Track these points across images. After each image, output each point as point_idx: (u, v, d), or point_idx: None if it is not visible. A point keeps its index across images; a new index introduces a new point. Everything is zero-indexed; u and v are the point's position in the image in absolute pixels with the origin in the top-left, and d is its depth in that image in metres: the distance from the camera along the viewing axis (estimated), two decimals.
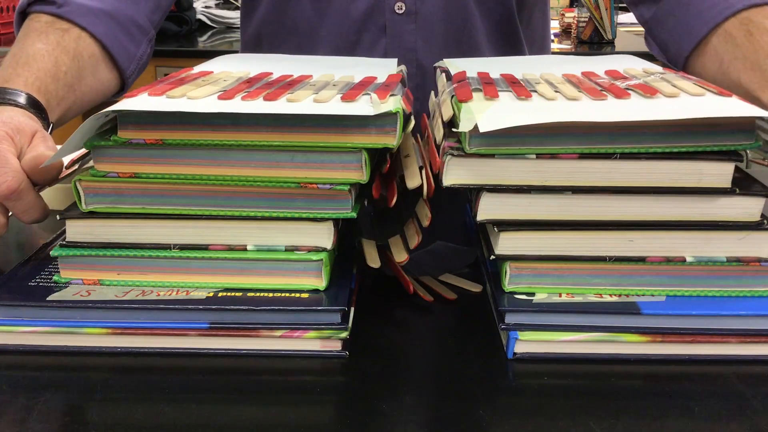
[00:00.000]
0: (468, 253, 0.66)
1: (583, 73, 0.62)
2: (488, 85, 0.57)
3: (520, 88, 0.56)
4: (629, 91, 0.54)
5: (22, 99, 0.65)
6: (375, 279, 0.63)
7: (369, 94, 0.53)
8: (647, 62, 0.68)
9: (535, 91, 0.55)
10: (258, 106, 0.50)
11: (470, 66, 0.67)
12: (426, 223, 0.55)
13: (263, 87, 0.56)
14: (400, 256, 0.56)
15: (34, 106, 0.66)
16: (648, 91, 0.53)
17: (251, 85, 0.57)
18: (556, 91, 0.55)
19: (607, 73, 0.62)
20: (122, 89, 0.83)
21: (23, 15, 0.78)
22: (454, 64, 0.69)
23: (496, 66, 0.67)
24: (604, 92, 0.54)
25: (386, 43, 0.87)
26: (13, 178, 0.55)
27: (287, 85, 0.57)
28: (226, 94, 0.53)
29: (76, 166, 0.61)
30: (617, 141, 0.50)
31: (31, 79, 0.68)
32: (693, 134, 0.50)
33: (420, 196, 0.56)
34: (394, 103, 0.51)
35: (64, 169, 0.61)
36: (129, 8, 0.81)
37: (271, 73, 0.63)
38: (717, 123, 0.50)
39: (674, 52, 0.78)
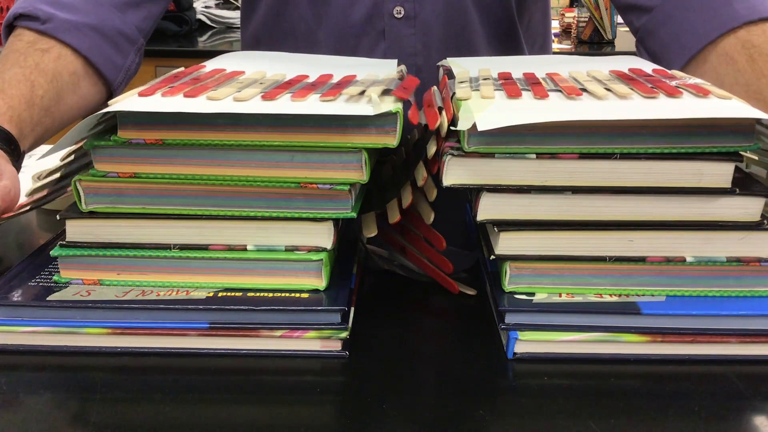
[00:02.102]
0: (467, 257, 0.65)
1: (630, 70, 0.62)
2: (536, 85, 0.56)
3: (569, 87, 0.56)
4: (681, 90, 0.54)
5: None
6: (375, 279, 0.63)
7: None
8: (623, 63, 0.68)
9: (585, 90, 0.55)
10: (258, 106, 0.50)
11: (487, 65, 0.67)
12: (421, 182, 0.55)
13: (186, 84, 0.56)
14: (393, 216, 0.56)
15: (4, 139, 0.66)
16: (701, 91, 0.53)
17: (174, 82, 0.57)
18: (607, 89, 0.55)
19: (656, 72, 0.62)
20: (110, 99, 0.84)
21: (10, 28, 0.78)
22: (457, 64, 0.69)
23: (517, 65, 0.67)
24: (655, 89, 0.54)
25: (385, 48, 0.87)
26: None
27: (212, 83, 0.57)
28: (146, 91, 0.54)
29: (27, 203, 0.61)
30: (617, 141, 0.50)
31: (4, 108, 0.68)
32: (693, 135, 0.50)
33: (419, 159, 0.56)
34: (393, 102, 0.51)
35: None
36: (115, 20, 0.81)
37: (204, 66, 0.63)
38: (717, 124, 0.50)
39: (666, 64, 0.78)
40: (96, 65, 0.79)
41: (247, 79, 0.59)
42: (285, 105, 0.51)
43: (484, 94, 0.54)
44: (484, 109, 0.50)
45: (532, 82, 0.58)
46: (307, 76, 0.61)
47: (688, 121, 0.49)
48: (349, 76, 0.61)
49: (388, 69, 0.66)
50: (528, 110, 0.50)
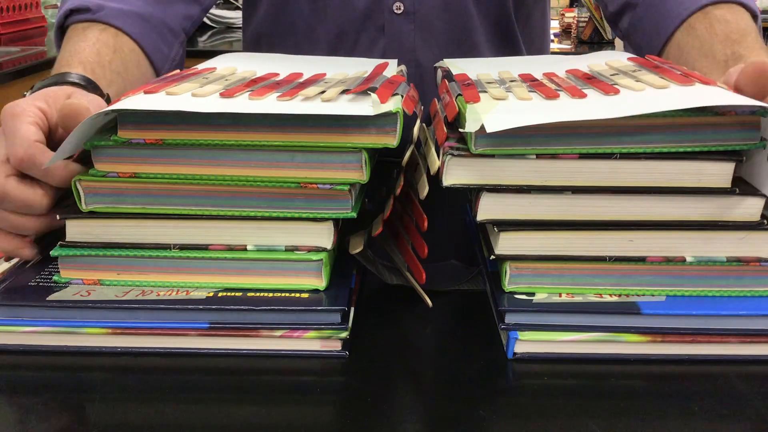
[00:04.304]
0: (467, 271, 0.65)
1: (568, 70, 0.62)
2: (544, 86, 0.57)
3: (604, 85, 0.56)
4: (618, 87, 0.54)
5: (64, 78, 0.66)
6: (375, 279, 0.63)
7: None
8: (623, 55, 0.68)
9: (617, 84, 0.55)
10: (258, 106, 0.50)
11: (481, 67, 0.67)
12: (397, 191, 0.55)
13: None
14: (376, 228, 0.57)
15: (81, 80, 0.66)
16: (609, 90, 0.53)
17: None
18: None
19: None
20: None
21: (62, 30, 0.79)
22: (455, 65, 0.69)
23: (515, 65, 0.67)
24: (686, 77, 0.54)
25: (385, 43, 0.87)
26: (19, 145, 0.54)
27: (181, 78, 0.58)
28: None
29: None
30: (623, 140, 0.50)
31: (75, 63, 0.69)
32: (697, 134, 0.50)
33: (401, 172, 0.57)
34: (394, 103, 0.51)
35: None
36: (159, 12, 0.83)
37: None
38: (721, 122, 0.50)
39: (647, 52, 0.79)
40: (146, 51, 0.80)
41: (213, 75, 0.60)
42: (285, 105, 0.51)
43: (520, 96, 0.54)
44: (491, 110, 0.50)
45: (548, 81, 0.58)
46: (277, 74, 0.62)
47: (694, 119, 0.49)
48: (317, 75, 0.61)
49: (388, 69, 0.66)
50: (537, 110, 0.50)
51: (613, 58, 0.65)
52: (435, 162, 0.53)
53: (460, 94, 0.55)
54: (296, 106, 0.51)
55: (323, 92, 0.54)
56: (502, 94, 0.54)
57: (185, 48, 0.87)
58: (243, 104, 0.51)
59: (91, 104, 0.56)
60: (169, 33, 0.84)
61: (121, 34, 0.77)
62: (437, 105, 0.63)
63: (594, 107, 0.50)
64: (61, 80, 0.65)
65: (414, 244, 0.57)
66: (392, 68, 0.67)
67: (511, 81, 0.60)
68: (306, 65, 0.67)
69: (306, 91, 0.54)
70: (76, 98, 0.57)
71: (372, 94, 0.51)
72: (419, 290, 0.58)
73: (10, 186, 0.55)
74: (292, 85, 0.57)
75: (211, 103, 0.51)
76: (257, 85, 0.57)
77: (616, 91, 0.53)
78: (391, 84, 0.56)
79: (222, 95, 0.53)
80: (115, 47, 0.75)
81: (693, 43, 0.72)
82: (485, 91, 0.56)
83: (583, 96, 0.53)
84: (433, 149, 0.55)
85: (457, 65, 0.69)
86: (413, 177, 0.58)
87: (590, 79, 0.57)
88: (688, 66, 0.69)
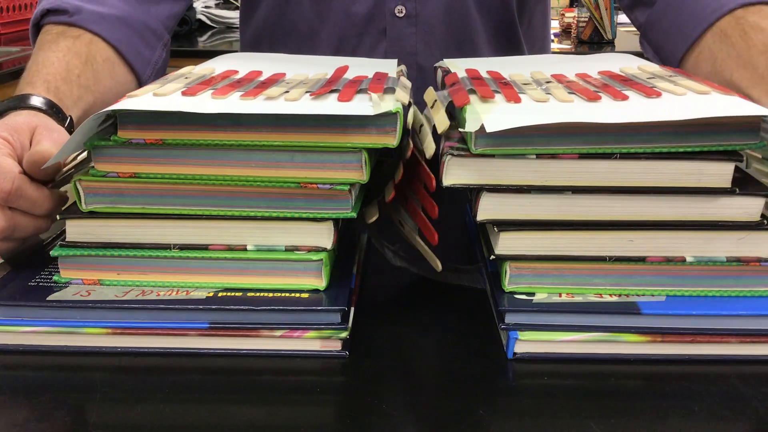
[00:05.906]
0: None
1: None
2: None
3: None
4: (627, 93, 0.54)
5: (25, 101, 0.65)
6: (375, 279, 0.63)
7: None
8: (641, 60, 0.68)
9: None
10: (258, 106, 0.50)
11: (480, 66, 0.67)
12: (407, 154, 0.56)
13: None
14: (389, 194, 0.57)
15: (43, 104, 0.65)
16: (651, 92, 0.53)
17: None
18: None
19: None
20: None
21: (37, 28, 0.78)
22: (455, 64, 0.69)
23: (509, 66, 0.67)
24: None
25: (386, 46, 0.87)
26: (4, 179, 0.55)
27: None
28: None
29: (73, 165, 0.61)
30: (623, 141, 0.50)
31: (39, 82, 0.67)
32: (697, 134, 0.50)
33: (408, 135, 0.57)
34: (393, 102, 0.51)
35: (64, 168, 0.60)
36: (141, 14, 0.81)
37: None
38: (722, 122, 0.50)
39: (669, 53, 0.78)
40: (125, 57, 0.78)
41: (173, 75, 0.60)
42: (285, 105, 0.51)
43: (561, 98, 0.53)
44: (491, 110, 0.50)
45: (565, 82, 0.58)
46: (236, 72, 0.62)
47: (695, 120, 0.49)
48: (277, 75, 0.61)
49: (388, 69, 0.66)
50: (537, 111, 0.50)
51: (613, 62, 0.65)
52: (444, 122, 0.53)
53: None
54: (296, 106, 0.51)
55: (287, 92, 0.54)
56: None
57: (169, 51, 0.86)
58: (247, 105, 0.51)
59: (56, 144, 0.57)
60: (151, 35, 0.82)
61: (98, 40, 0.76)
62: (459, 73, 0.62)
63: (596, 110, 0.50)
64: (21, 104, 0.64)
65: (424, 205, 0.57)
66: (392, 68, 0.67)
67: (547, 81, 0.60)
68: (268, 64, 0.67)
69: (269, 91, 0.54)
70: (43, 146, 0.57)
71: (371, 93, 0.51)
72: (429, 253, 0.58)
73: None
74: (253, 84, 0.57)
75: (211, 103, 0.51)
76: (218, 83, 0.57)
77: (658, 94, 0.53)
78: (353, 83, 0.56)
79: (184, 93, 0.53)
80: (88, 57, 0.74)
81: (728, 51, 0.70)
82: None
83: (626, 98, 0.52)
84: (442, 110, 0.55)
85: (457, 65, 0.69)
86: (418, 139, 0.58)
87: (626, 81, 0.57)
88: (724, 75, 0.69)
